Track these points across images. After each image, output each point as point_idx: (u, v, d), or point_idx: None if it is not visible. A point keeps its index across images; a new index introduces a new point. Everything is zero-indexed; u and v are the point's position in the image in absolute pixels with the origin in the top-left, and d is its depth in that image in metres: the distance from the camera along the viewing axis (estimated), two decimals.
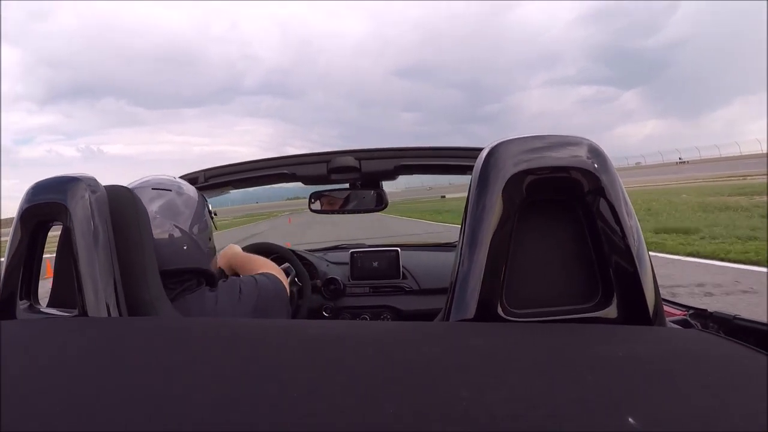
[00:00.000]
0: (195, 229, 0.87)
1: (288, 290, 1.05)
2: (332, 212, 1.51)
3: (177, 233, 0.84)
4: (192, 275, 0.88)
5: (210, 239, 0.93)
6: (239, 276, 1.24)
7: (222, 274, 1.22)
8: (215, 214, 1.00)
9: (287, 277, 1.19)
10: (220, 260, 1.21)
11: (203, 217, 0.91)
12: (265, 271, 1.04)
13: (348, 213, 1.46)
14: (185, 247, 0.84)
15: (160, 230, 0.81)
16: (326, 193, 1.46)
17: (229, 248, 1.24)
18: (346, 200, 1.45)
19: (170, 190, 0.86)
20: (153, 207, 0.82)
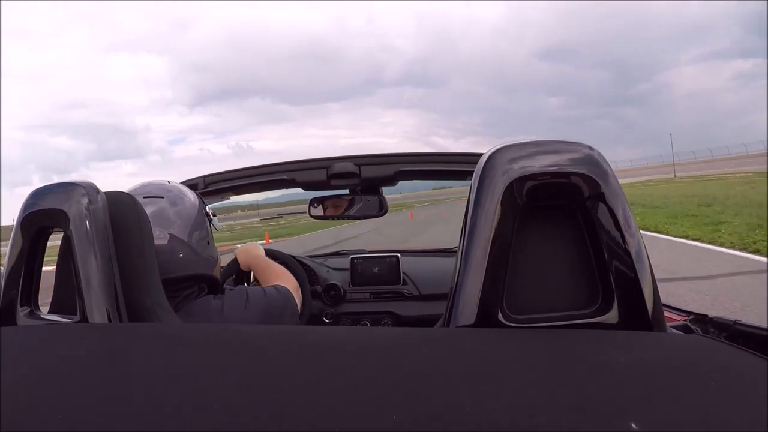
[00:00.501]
0: (194, 236, 0.86)
1: (299, 306, 1.02)
2: (332, 218, 1.51)
3: (171, 241, 0.82)
4: (192, 282, 0.86)
5: (209, 245, 0.91)
6: (248, 282, 1.23)
7: (235, 265, 1.21)
8: (214, 216, 0.98)
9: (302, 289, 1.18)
10: (240, 254, 1.20)
11: (202, 224, 0.90)
12: (279, 283, 1.02)
13: (348, 219, 1.46)
14: (181, 255, 0.83)
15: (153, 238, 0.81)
16: (327, 199, 1.47)
17: (252, 246, 1.22)
18: (347, 206, 1.46)
19: (162, 197, 0.85)
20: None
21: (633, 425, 0.25)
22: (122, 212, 0.64)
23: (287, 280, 1.08)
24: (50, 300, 0.66)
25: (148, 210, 0.80)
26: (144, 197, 0.82)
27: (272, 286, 0.99)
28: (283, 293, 0.97)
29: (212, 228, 0.95)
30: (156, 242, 0.79)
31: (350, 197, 1.43)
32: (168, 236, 0.82)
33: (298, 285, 1.08)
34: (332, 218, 1.52)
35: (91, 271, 0.57)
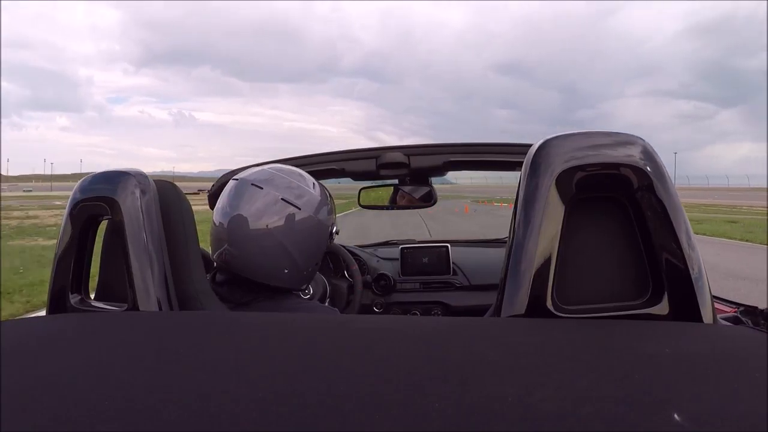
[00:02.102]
0: (307, 259, 0.83)
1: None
2: (381, 208, 1.53)
3: (281, 255, 0.80)
4: (279, 290, 0.85)
5: (316, 266, 0.87)
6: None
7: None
8: (337, 233, 0.91)
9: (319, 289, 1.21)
10: None
11: (322, 245, 0.86)
12: None
13: (397, 209, 1.48)
14: (286, 271, 0.81)
15: (266, 241, 0.78)
16: (375, 189, 1.48)
17: None
18: (396, 195, 1.47)
19: (300, 209, 0.80)
20: (271, 219, 0.78)
21: (676, 416, 0.25)
22: (168, 202, 0.64)
23: None
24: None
25: (276, 212, 0.78)
26: (282, 199, 0.79)
27: None
28: None
29: (333, 236, 0.90)
30: (268, 251, 0.78)
31: (398, 187, 1.45)
32: (281, 249, 0.79)
33: None
34: (381, 208, 1.54)
35: (143, 259, 0.57)
